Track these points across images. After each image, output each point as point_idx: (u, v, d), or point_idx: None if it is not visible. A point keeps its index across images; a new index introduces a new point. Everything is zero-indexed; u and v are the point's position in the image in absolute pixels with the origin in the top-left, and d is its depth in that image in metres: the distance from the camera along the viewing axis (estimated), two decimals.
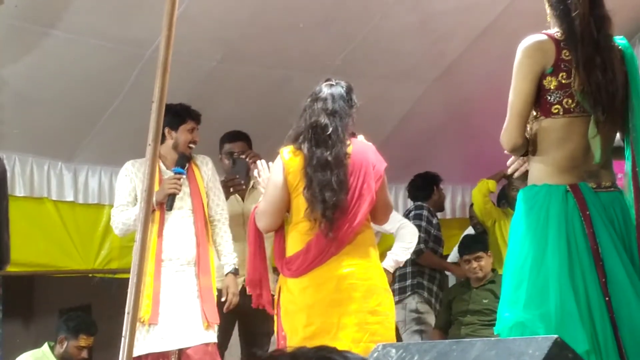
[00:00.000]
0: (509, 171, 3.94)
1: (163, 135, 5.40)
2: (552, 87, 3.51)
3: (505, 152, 3.71)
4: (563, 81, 3.50)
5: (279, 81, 6.97)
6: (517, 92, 3.55)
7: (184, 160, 5.60)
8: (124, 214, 5.60)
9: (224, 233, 5.82)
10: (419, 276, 7.39)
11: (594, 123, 3.50)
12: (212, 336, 5.54)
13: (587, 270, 3.43)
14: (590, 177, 3.56)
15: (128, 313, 2.82)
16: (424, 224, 7.43)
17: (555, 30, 3.58)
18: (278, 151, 4.69)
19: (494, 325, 6.70)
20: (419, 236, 7.08)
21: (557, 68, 3.51)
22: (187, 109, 5.68)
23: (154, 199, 5.28)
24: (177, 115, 5.59)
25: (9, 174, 6.86)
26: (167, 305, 5.43)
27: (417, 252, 7.19)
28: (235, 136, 6.38)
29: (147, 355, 5.38)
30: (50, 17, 5.97)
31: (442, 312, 7.27)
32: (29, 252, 7.01)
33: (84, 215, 7.28)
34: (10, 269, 6.92)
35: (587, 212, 3.47)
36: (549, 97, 3.52)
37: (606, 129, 3.55)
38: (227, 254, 5.81)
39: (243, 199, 6.32)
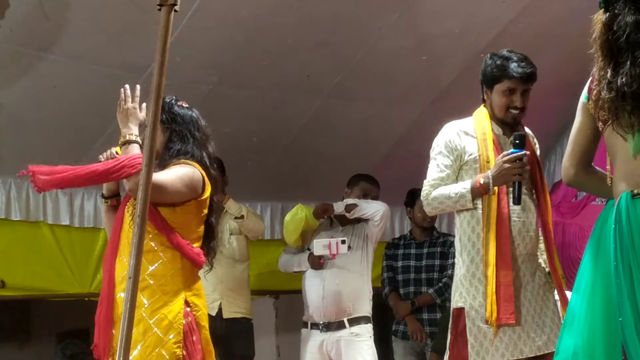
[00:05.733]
0: None
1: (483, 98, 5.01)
2: (593, 112, 3.27)
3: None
4: (593, 98, 3.26)
5: (274, 104, 6.98)
6: (575, 121, 3.43)
7: (522, 139, 4.76)
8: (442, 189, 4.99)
9: None
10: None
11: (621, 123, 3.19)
12: None
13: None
14: None
15: (122, 334, 2.81)
16: (383, 263, 7.51)
17: None
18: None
19: None
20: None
21: (589, 91, 3.30)
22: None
23: (490, 183, 4.69)
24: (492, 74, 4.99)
25: (5, 198, 6.90)
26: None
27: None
28: None
29: None
30: (45, 41, 5.97)
31: (438, 336, 7.24)
32: (25, 276, 7.01)
33: (79, 239, 7.26)
34: (7, 293, 6.98)
35: (613, 226, 3.13)
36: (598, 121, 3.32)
37: None
38: None
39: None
